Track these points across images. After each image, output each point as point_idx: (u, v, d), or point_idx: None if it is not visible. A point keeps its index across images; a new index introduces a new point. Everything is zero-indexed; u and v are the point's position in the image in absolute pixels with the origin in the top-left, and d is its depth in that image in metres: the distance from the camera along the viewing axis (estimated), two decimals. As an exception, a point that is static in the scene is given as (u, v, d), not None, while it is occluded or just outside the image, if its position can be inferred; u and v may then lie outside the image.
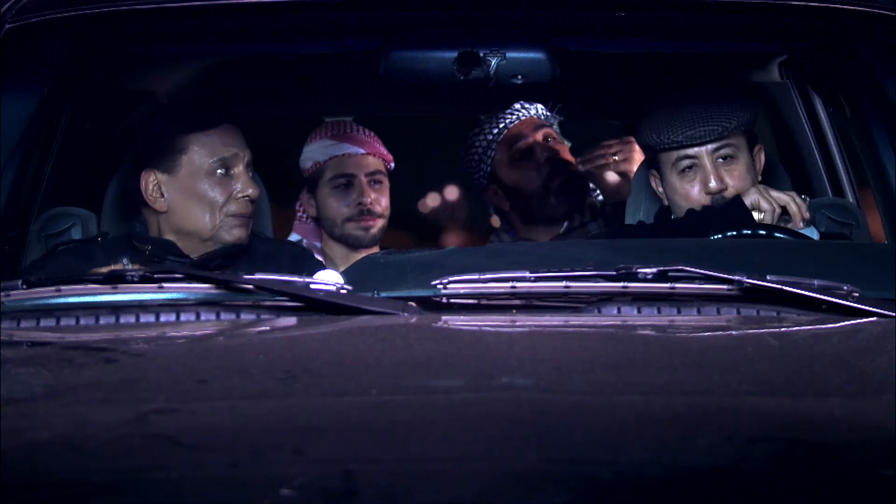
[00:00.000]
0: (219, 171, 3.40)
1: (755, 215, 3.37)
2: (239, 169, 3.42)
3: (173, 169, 3.41)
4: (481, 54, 3.45)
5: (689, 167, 3.44)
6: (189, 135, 3.41)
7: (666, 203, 3.53)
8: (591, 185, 4.45)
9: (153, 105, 3.90)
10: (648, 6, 3.30)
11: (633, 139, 4.29)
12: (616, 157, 4.24)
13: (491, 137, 4.33)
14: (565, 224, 4.29)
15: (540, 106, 4.35)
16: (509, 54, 3.47)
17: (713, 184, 3.41)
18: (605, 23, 3.43)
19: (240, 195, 3.41)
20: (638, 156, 4.22)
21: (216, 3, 3.17)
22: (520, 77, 3.53)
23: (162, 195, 3.41)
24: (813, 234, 3.40)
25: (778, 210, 3.38)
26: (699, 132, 3.42)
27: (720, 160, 3.43)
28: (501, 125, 4.32)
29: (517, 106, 4.32)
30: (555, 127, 4.37)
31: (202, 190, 3.40)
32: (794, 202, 3.40)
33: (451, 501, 1.54)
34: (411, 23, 3.44)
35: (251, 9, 3.20)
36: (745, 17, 3.35)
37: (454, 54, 3.45)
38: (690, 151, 3.43)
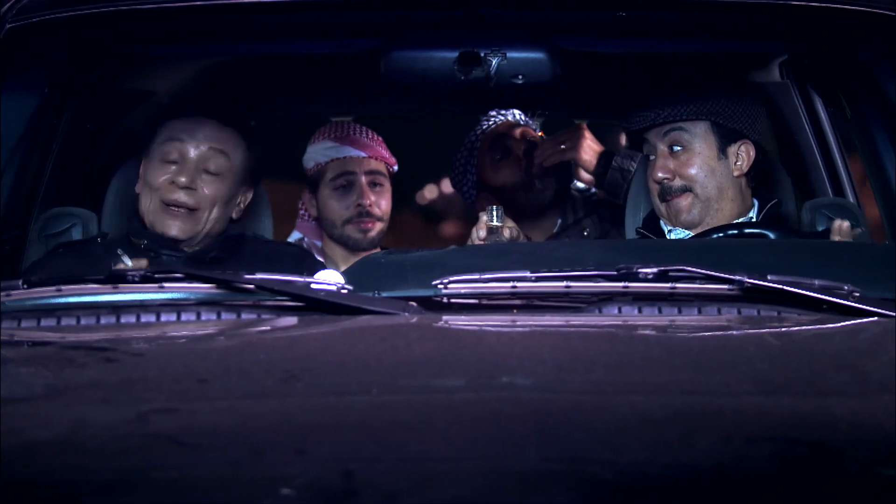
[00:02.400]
0: (169, 157, 3.43)
1: None
2: (188, 158, 3.42)
3: (147, 153, 3.48)
4: (482, 54, 3.46)
5: (650, 156, 3.51)
6: (163, 123, 3.46)
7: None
8: (584, 185, 4.47)
9: (155, 102, 3.91)
10: (648, 6, 3.30)
11: (582, 126, 4.32)
12: (563, 146, 4.25)
13: (470, 145, 4.38)
14: (559, 222, 4.31)
15: (517, 111, 4.39)
16: (510, 54, 3.48)
17: (660, 173, 3.45)
18: (605, 23, 3.43)
19: (173, 181, 3.40)
20: (587, 143, 4.24)
21: (216, 3, 3.17)
22: (520, 77, 3.54)
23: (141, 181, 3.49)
24: None
25: None
26: (638, 117, 3.49)
27: (674, 148, 3.46)
28: (479, 132, 4.38)
29: (492, 113, 4.38)
30: (536, 129, 4.40)
31: (147, 174, 3.45)
32: None
33: (451, 501, 1.54)
34: (412, 23, 3.44)
35: (251, 9, 3.20)
36: (746, 17, 3.35)
37: (455, 54, 3.46)
38: (647, 136, 3.49)
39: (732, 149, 3.48)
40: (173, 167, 3.42)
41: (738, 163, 3.48)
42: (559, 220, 4.33)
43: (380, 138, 4.25)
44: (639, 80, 4.12)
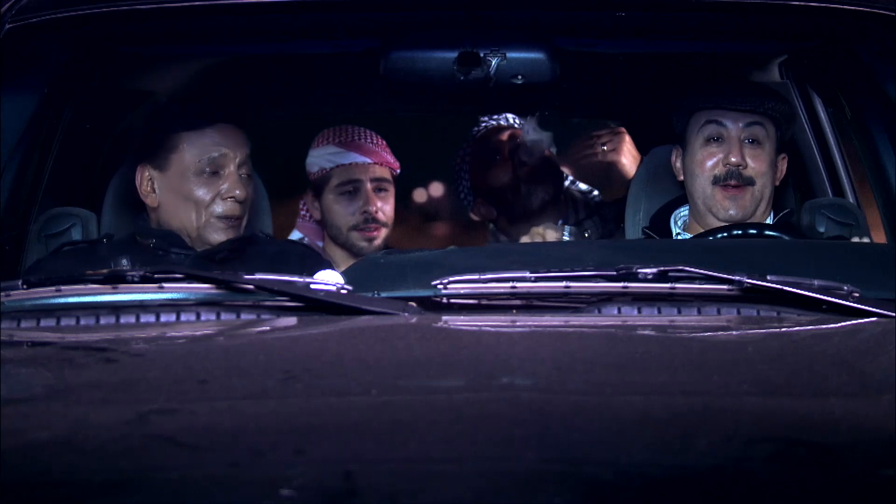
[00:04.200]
0: (207, 170, 3.40)
1: None
2: (229, 170, 3.41)
3: (165, 166, 3.43)
4: (481, 54, 3.46)
5: (716, 138, 3.49)
6: (181, 133, 3.42)
7: (681, 178, 3.56)
8: (587, 186, 4.47)
9: (153, 103, 3.91)
10: (648, 6, 3.30)
11: (622, 130, 4.31)
12: (605, 147, 4.25)
13: (463, 153, 4.41)
14: (560, 223, 4.32)
15: (510, 116, 4.40)
16: (509, 54, 3.48)
17: (734, 157, 3.46)
18: (605, 23, 3.43)
19: (226, 195, 3.40)
20: (627, 147, 4.23)
21: (216, 3, 3.17)
22: (520, 77, 3.54)
23: (154, 191, 3.44)
24: None
25: None
26: (736, 98, 3.49)
27: (747, 141, 3.48)
28: (469, 139, 4.40)
29: (483, 119, 4.41)
30: (536, 132, 4.41)
31: (188, 189, 3.40)
32: None
33: (451, 501, 1.54)
34: (411, 23, 3.44)
35: (251, 9, 3.20)
36: (746, 17, 3.36)
37: (454, 54, 3.46)
38: (723, 120, 3.49)
39: (779, 158, 3.53)
40: (218, 181, 3.40)
41: (778, 173, 3.54)
42: (560, 222, 4.34)
43: (383, 142, 4.25)
44: (637, 81, 4.13)
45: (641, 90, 4.19)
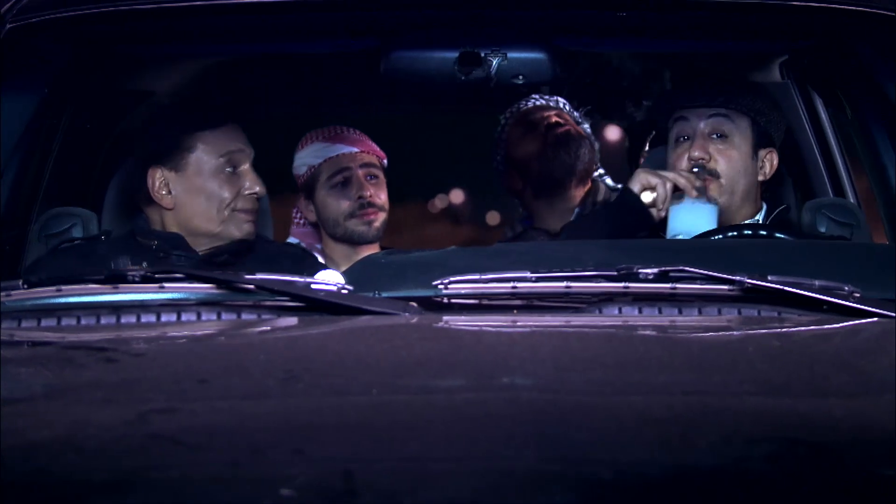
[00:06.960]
0: (227, 168, 3.45)
1: (647, 195, 3.41)
2: (245, 166, 3.47)
3: (181, 166, 3.45)
4: (482, 54, 3.46)
5: (684, 137, 3.49)
6: (196, 133, 3.46)
7: None
8: (614, 182, 4.49)
9: (155, 104, 3.91)
10: (649, 6, 3.30)
11: None
12: None
13: (504, 122, 4.40)
14: (576, 210, 4.33)
15: (561, 99, 4.40)
16: (510, 54, 3.48)
17: (696, 152, 3.45)
18: (605, 23, 3.43)
19: (247, 192, 3.46)
20: None
21: (216, 3, 3.17)
22: (521, 77, 3.54)
23: (169, 192, 3.45)
24: (713, 211, 3.39)
25: (669, 185, 3.41)
26: (697, 94, 3.50)
27: (714, 136, 3.47)
28: (515, 109, 4.39)
29: (535, 96, 4.39)
30: (581, 122, 4.42)
31: (210, 187, 3.44)
32: (681, 177, 3.42)
33: (451, 501, 1.54)
34: (412, 23, 3.45)
35: (251, 9, 3.20)
36: (746, 17, 3.36)
37: (455, 54, 3.46)
38: (688, 115, 3.49)
39: (762, 153, 3.52)
40: (237, 178, 3.45)
41: (763, 168, 3.52)
42: (577, 210, 4.36)
43: (365, 135, 4.27)
44: (639, 80, 4.13)
45: (641, 90, 4.20)
